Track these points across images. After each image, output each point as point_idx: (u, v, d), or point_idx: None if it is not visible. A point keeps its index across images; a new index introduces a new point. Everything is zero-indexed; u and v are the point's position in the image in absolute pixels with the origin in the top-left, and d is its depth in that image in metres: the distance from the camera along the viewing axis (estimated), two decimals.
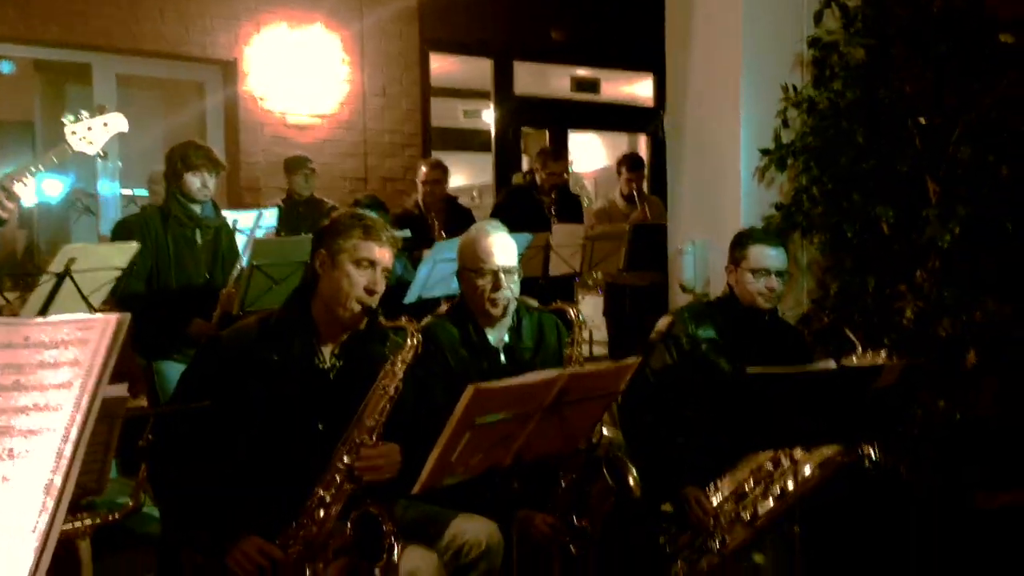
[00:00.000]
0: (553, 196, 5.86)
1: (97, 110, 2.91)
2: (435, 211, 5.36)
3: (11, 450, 1.07)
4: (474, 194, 9.80)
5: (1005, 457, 3.21)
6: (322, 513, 2.27)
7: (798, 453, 2.72)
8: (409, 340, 2.40)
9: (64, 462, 1.06)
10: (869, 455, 2.74)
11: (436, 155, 7.36)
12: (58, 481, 1.05)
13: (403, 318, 2.47)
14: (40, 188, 6.00)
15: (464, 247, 2.81)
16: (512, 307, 2.77)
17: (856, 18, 3.90)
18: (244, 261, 3.68)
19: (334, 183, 6.51)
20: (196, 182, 3.75)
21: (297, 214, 5.17)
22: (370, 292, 2.42)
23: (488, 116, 8.32)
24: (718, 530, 2.80)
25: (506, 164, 7.89)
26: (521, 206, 5.96)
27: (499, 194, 7.14)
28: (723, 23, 3.99)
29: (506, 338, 2.83)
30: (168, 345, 3.71)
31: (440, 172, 5.43)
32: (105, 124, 2.87)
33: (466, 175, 9.86)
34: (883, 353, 2.77)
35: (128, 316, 1.18)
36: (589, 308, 8.07)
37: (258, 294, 3.52)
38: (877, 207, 3.46)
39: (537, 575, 2.55)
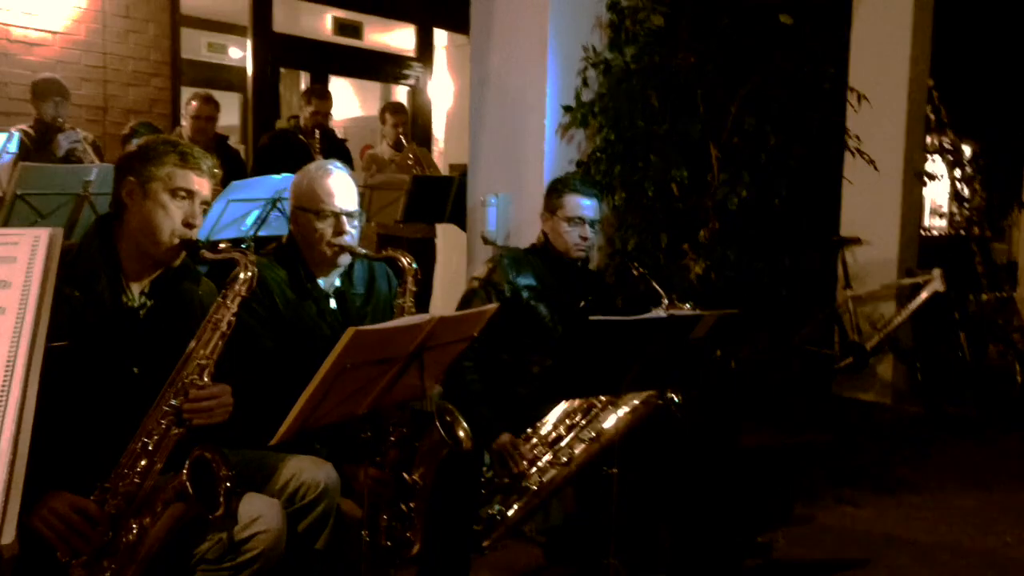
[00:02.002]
0: (318, 136, 5.62)
1: None
2: (204, 148, 4.94)
3: None
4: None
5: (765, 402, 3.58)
6: (145, 462, 2.02)
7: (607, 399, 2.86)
8: (243, 273, 2.18)
9: (11, 403, 0.85)
10: (673, 400, 2.93)
11: (185, 91, 6.78)
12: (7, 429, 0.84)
13: (233, 250, 2.24)
14: None
15: (303, 186, 2.60)
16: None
17: None
18: None
19: (72, 112, 5.73)
20: None
21: (47, 142, 4.50)
22: (188, 225, 2.19)
23: (236, 52, 7.76)
24: (534, 474, 2.86)
25: (262, 105, 7.42)
26: (287, 149, 5.67)
27: (263, 136, 6.71)
28: None
29: (337, 282, 2.67)
30: None
31: (214, 108, 5.05)
32: None
33: None
34: (687, 305, 2.96)
35: (60, 231, 0.96)
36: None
37: (21, 226, 3.02)
38: (672, 169, 3.68)
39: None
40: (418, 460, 2.54)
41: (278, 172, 5.31)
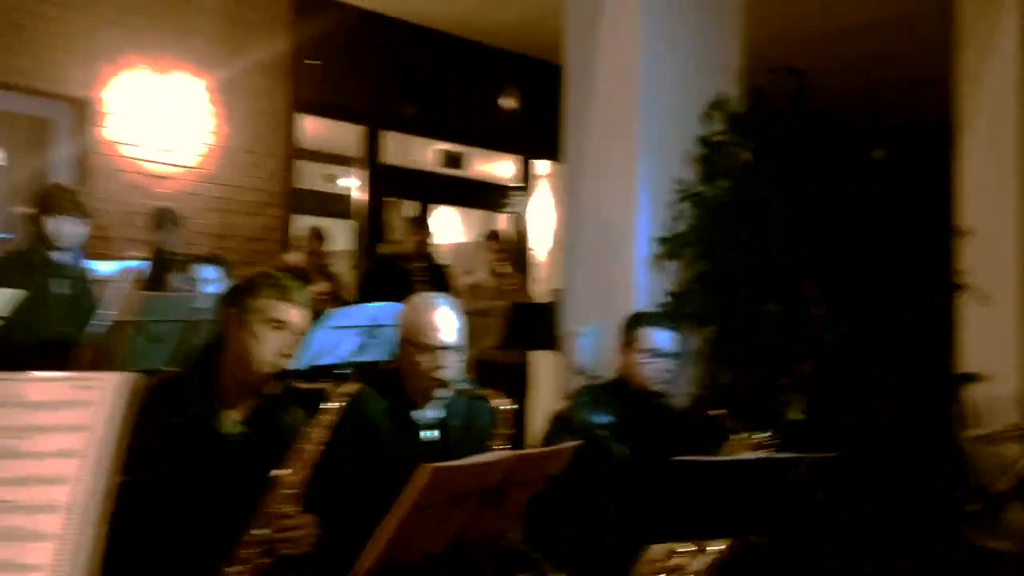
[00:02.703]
0: (419, 265, 5.82)
1: None
2: (313, 276, 5.25)
3: (14, 528, 0.88)
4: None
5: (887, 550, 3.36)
6: None
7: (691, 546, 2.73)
8: (330, 404, 2.24)
9: (75, 548, 0.89)
10: (758, 544, 2.77)
11: (296, 219, 7.19)
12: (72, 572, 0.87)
13: (323, 381, 2.32)
14: None
15: (408, 318, 2.67)
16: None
17: (738, 121, 4.17)
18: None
19: (192, 238, 6.11)
20: (59, 227, 3.44)
21: (163, 268, 4.82)
22: (283, 355, 2.28)
23: (347, 182, 8.19)
24: None
25: (371, 233, 7.76)
26: (389, 275, 5.91)
27: (367, 263, 7.00)
28: (620, 120, 4.17)
29: (437, 414, 2.70)
30: None
31: (321, 243, 5.37)
32: None
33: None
34: (768, 434, 2.85)
35: (136, 376, 1.03)
36: None
37: (135, 353, 3.22)
38: (765, 303, 3.64)
39: None
40: None
41: (381, 296, 5.59)
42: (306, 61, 6.97)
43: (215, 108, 6.51)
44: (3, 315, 2.76)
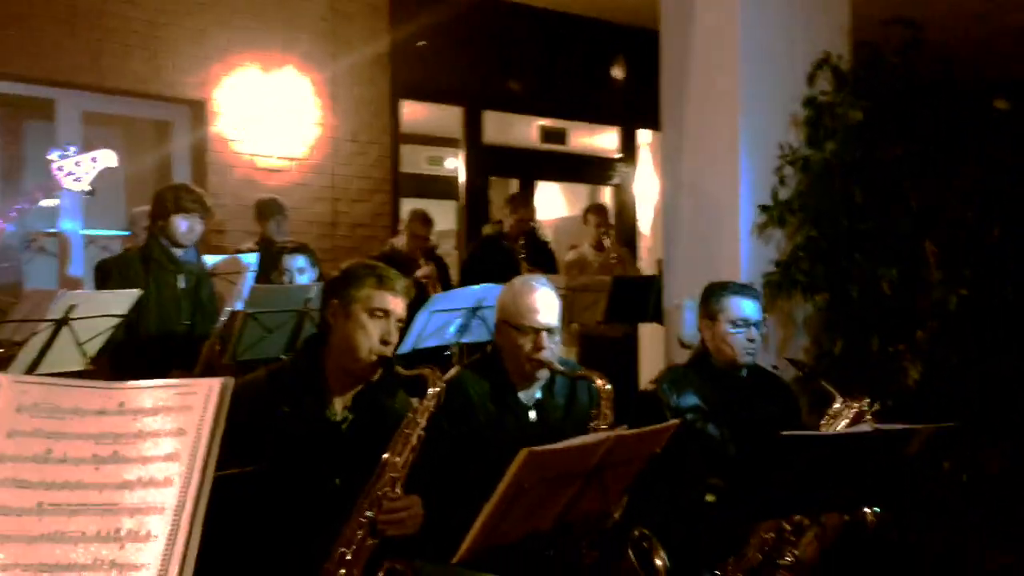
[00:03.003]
0: (522, 242, 5.83)
1: (85, 145, 2.75)
2: (417, 259, 5.35)
3: (118, 530, 0.94)
4: (434, 239, 9.73)
5: (1009, 519, 3.20)
6: (344, 571, 2.14)
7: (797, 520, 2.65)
8: (432, 388, 2.29)
9: (178, 547, 0.94)
10: (874, 517, 2.67)
11: (403, 201, 7.33)
12: (174, 571, 0.93)
13: (424, 367, 2.37)
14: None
15: (507, 300, 2.70)
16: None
17: (848, 79, 3.98)
18: (238, 306, 3.53)
19: (302, 227, 6.34)
20: (183, 225, 3.61)
21: (272, 258, 5.00)
22: (384, 343, 2.34)
23: (452, 163, 8.27)
24: None
25: (475, 212, 7.83)
26: (493, 255, 5.96)
27: (471, 244, 7.08)
28: (719, 82, 4.04)
29: (537, 394, 2.72)
30: None
31: (427, 225, 5.48)
32: (94, 159, 2.72)
33: None
34: (866, 402, 2.73)
35: (231, 381, 1.07)
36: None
37: (251, 343, 3.37)
38: (879, 268, 3.48)
39: None
40: None
41: (486, 276, 5.65)
42: (418, 44, 7.07)
43: (320, 100, 6.68)
44: (122, 314, 2.92)
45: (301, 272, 4.02)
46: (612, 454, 2.07)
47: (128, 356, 3.49)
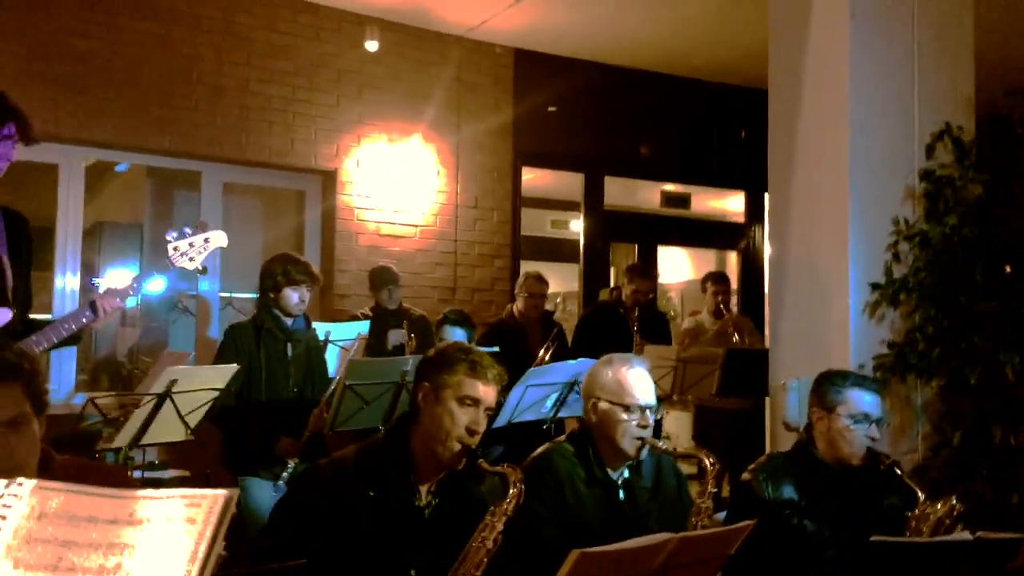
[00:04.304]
0: (637, 313, 5.77)
1: (199, 227, 2.96)
2: (531, 323, 5.39)
3: None
4: (558, 301, 9.79)
5: None
6: None
7: None
8: (511, 489, 2.28)
9: None
10: None
11: (524, 264, 7.43)
12: None
13: (505, 465, 2.35)
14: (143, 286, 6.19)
15: (607, 379, 2.68)
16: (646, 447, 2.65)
17: (970, 152, 3.78)
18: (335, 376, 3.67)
19: (423, 292, 6.54)
20: (295, 296, 3.79)
21: (386, 323, 5.18)
22: (471, 432, 2.33)
23: (576, 226, 8.33)
24: None
25: (594, 276, 7.85)
26: (606, 321, 5.94)
27: (585, 309, 7.08)
28: (829, 153, 3.91)
29: (625, 473, 2.69)
30: (255, 462, 3.69)
31: (545, 287, 5.51)
32: (206, 240, 2.91)
33: (553, 284, 9.85)
34: (952, 501, 2.51)
35: (236, 492, 1.12)
36: (674, 424, 7.86)
37: (349, 414, 3.48)
38: (1001, 353, 3.25)
39: None
40: None
41: (597, 342, 5.62)
42: (548, 109, 7.24)
43: (444, 168, 6.92)
44: (222, 387, 3.08)
45: None
46: (677, 556, 2.00)
47: (240, 423, 3.67)
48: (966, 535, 2.28)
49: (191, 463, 5.02)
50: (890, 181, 3.83)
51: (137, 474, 4.05)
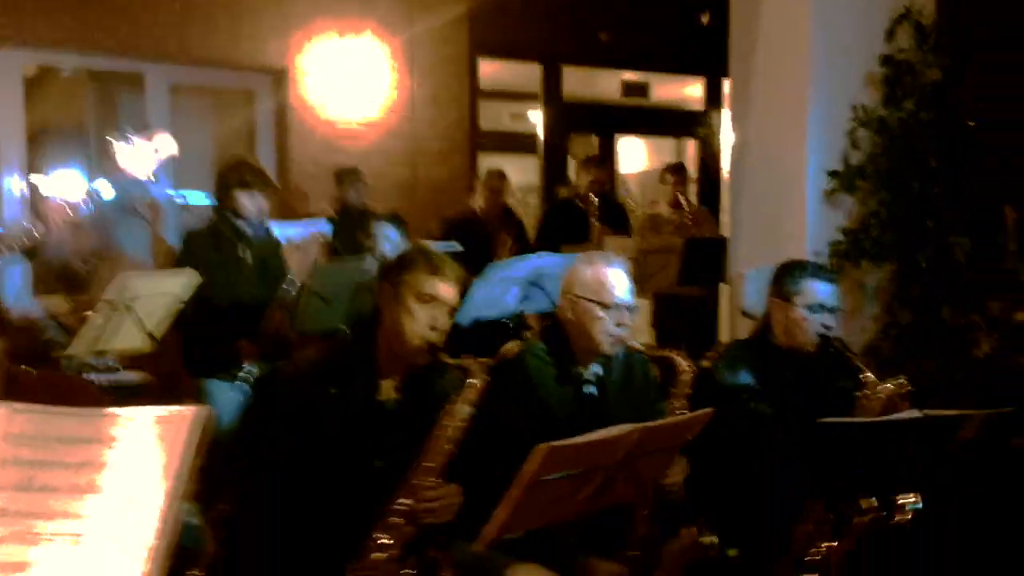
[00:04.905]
0: (596, 203, 5.78)
1: (146, 134, 2.86)
2: (492, 218, 5.39)
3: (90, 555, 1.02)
4: (517, 194, 9.76)
5: None
6: (379, 556, 2.22)
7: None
8: (473, 380, 2.33)
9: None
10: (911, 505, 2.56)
11: (483, 158, 7.36)
12: None
13: (466, 357, 2.40)
14: (93, 188, 6.03)
15: (587, 276, 2.68)
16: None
17: (930, 35, 3.75)
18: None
19: (383, 191, 6.44)
20: (250, 202, 3.73)
21: (350, 225, 5.12)
22: (433, 329, 2.37)
23: (535, 118, 8.23)
24: None
25: (553, 168, 7.81)
26: (566, 217, 5.95)
27: (545, 205, 7.08)
28: (789, 40, 3.87)
29: (596, 368, 2.73)
30: (214, 365, 3.71)
31: (505, 183, 5.49)
32: (156, 151, 2.83)
33: (513, 177, 9.77)
34: (901, 380, 2.61)
35: (208, 410, 1.14)
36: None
37: (312, 315, 3.49)
38: (951, 236, 3.32)
39: None
40: (663, 562, 2.51)
41: (559, 238, 5.64)
42: None
43: (398, 63, 6.74)
44: (177, 292, 3.05)
45: (388, 240, 4.08)
46: (640, 446, 2.07)
47: (199, 328, 3.67)
48: (915, 413, 2.38)
49: (151, 365, 5.02)
50: (851, 67, 3.81)
51: (96, 377, 4.02)
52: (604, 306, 2.62)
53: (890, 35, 3.81)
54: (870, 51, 3.82)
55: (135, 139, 2.78)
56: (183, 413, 1.12)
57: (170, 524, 1.03)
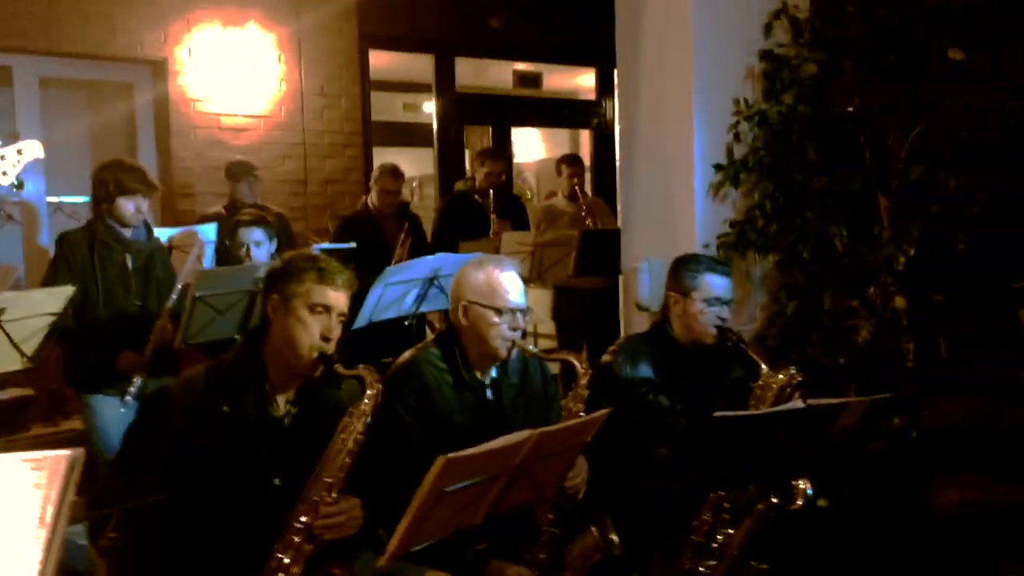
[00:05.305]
0: (492, 196, 5.78)
1: (10, 137, 2.70)
2: (387, 216, 5.31)
3: None
4: (414, 186, 9.67)
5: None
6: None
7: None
8: (368, 390, 2.30)
9: None
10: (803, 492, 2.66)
11: (377, 151, 7.24)
12: None
13: (362, 367, 2.36)
14: None
15: (478, 281, 2.65)
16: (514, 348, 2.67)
17: (806, 31, 3.89)
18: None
19: (273, 187, 6.29)
20: (130, 207, 3.57)
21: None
22: (326, 339, 2.31)
23: (429, 108, 8.16)
24: None
25: (449, 159, 7.77)
26: (462, 210, 5.94)
27: (441, 199, 7.03)
28: (673, 35, 3.93)
29: (493, 373, 2.72)
30: (99, 379, 3.55)
31: (397, 181, 5.47)
32: (19, 152, 2.66)
33: (407, 168, 9.68)
34: (792, 371, 2.73)
35: (82, 453, 1.08)
36: (533, 302, 8.05)
37: (201, 326, 3.36)
38: (831, 226, 3.46)
39: None
40: (568, 563, 2.54)
41: (456, 232, 5.62)
42: None
43: (285, 54, 6.56)
44: (57, 311, 2.91)
45: (258, 245, 3.98)
46: (538, 450, 2.08)
47: (80, 341, 3.50)
48: (798, 403, 2.48)
49: (31, 379, 4.77)
50: (732, 62, 3.91)
51: None
52: (498, 311, 2.61)
53: (767, 30, 3.92)
54: (750, 46, 3.93)
55: None
56: (56, 457, 1.05)
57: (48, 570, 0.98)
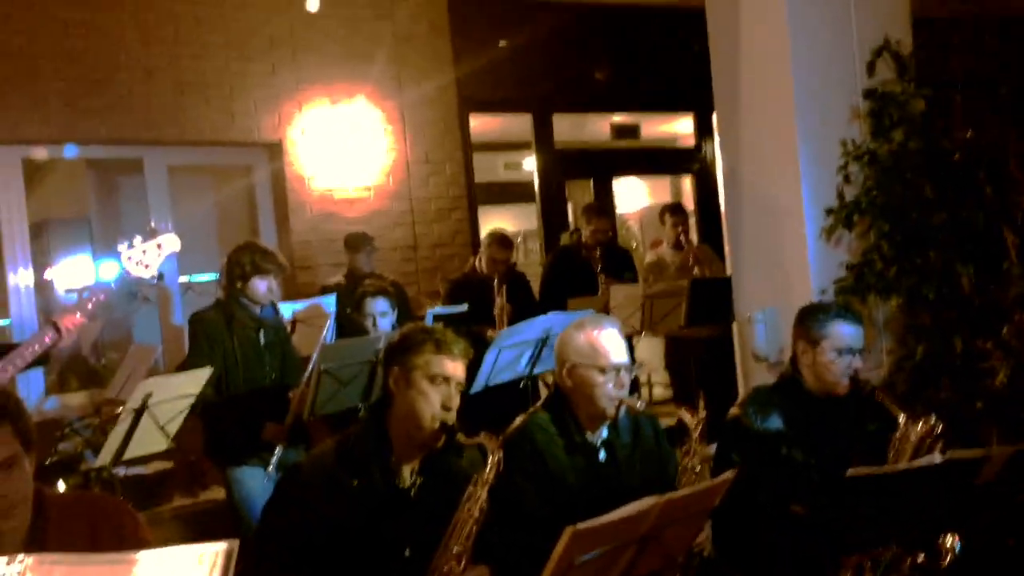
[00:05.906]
0: (599, 252, 5.79)
1: (150, 233, 2.91)
2: (497, 278, 5.38)
3: None
4: (518, 240, 9.80)
5: None
6: None
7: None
8: (490, 458, 2.33)
9: None
10: (952, 547, 2.53)
11: (481, 210, 7.38)
12: None
13: (483, 434, 2.40)
14: (97, 273, 6.07)
15: (579, 343, 2.68)
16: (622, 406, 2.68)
17: (910, 66, 3.80)
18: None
19: (385, 254, 6.49)
20: (263, 286, 3.76)
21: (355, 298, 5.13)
22: (446, 408, 2.37)
23: (529, 165, 8.29)
24: None
25: (552, 214, 7.84)
26: (569, 267, 5.96)
27: (547, 256, 7.09)
28: (772, 76, 3.90)
29: (604, 433, 2.72)
30: (243, 451, 3.70)
31: (508, 251, 5.45)
32: (159, 246, 2.87)
33: (511, 225, 9.83)
34: (932, 421, 2.61)
35: (236, 543, 1.14)
36: (647, 351, 7.97)
37: (327, 397, 3.49)
38: (956, 264, 3.33)
39: None
40: None
41: (563, 287, 5.64)
42: (500, 44, 7.09)
43: (390, 125, 6.81)
44: (196, 392, 3.07)
45: (383, 316, 4.11)
46: (664, 516, 2.06)
47: (221, 415, 3.67)
48: (936, 457, 2.37)
49: (171, 452, 5.01)
50: (833, 101, 3.84)
51: (119, 471, 4.03)
52: (601, 370, 2.62)
53: (871, 68, 3.85)
54: (852, 85, 3.86)
55: (140, 240, 2.82)
56: (216, 548, 1.12)
57: None
